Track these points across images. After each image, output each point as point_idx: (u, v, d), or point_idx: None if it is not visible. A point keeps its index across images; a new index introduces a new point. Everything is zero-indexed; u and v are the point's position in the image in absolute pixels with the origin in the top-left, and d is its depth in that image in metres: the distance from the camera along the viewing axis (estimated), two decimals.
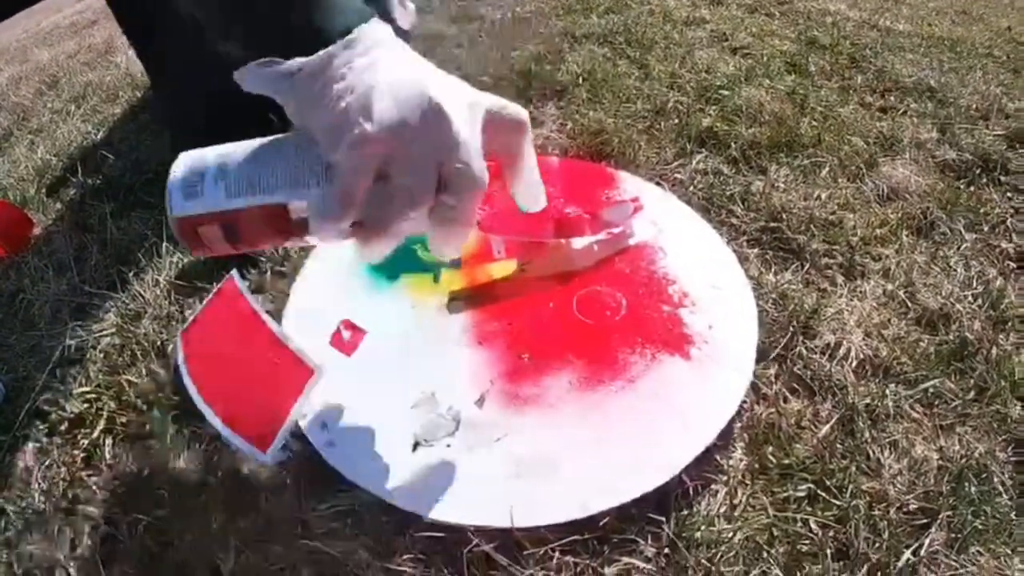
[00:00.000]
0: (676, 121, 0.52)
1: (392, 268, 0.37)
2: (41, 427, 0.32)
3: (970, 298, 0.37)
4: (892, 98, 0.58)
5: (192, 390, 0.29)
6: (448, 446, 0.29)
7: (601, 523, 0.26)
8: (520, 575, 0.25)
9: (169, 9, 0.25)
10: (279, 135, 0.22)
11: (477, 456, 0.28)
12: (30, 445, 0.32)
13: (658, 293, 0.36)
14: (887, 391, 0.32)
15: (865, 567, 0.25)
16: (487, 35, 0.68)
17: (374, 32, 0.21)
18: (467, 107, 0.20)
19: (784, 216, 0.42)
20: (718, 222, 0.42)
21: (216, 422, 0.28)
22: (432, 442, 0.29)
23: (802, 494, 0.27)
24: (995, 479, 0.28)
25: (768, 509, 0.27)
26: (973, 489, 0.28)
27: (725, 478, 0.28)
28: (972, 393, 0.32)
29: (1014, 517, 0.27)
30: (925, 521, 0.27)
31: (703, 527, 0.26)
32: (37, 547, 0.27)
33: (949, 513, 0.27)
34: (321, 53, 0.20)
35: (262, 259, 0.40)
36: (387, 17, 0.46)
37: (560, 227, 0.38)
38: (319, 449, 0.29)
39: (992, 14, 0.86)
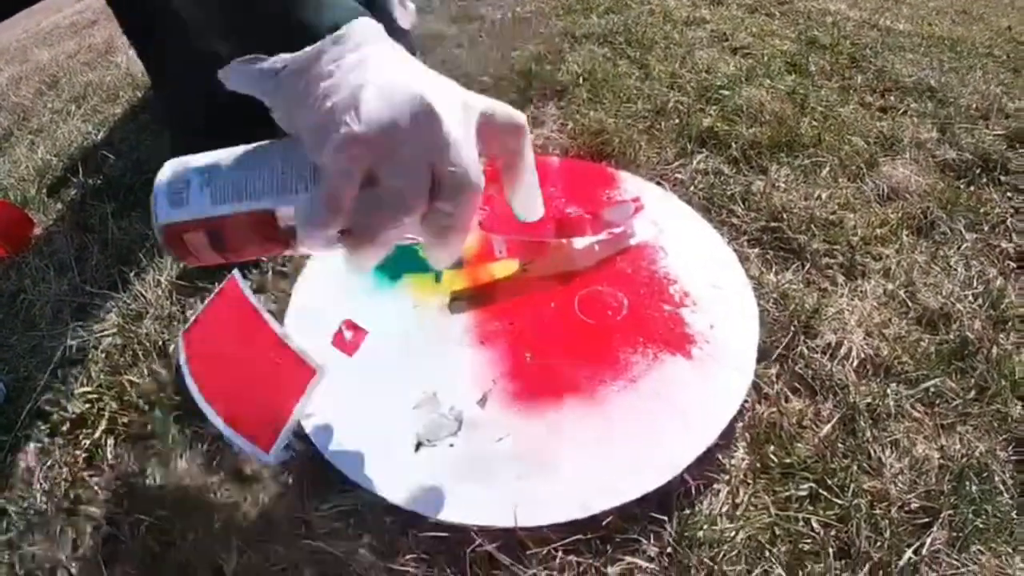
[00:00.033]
0: (677, 121, 0.52)
1: (394, 268, 0.37)
2: (43, 427, 0.32)
3: (970, 298, 0.37)
4: (892, 98, 0.58)
5: (194, 390, 0.29)
6: (451, 446, 0.29)
7: (604, 523, 0.26)
8: (523, 575, 0.25)
9: (169, 9, 0.25)
10: (268, 141, 0.21)
11: (480, 456, 0.28)
12: (32, 445, 0.32)
13: (659, 293, 0.36)
14: (888, 390, 0.32)
15: (867, 566, 0.25)
16: (487, 35, 0.68)
17: (364, 29, 0.19)
18: (461, 108, 0.19)
19: (785, 216, 0.42)
20: (719, 222, 0.42)
21: (218, 422, 0.28)
22: (434, 442, 0.29)
23: (804, 493, 0.28)
24: (996, 478, 0.28)
25: (770, 508, 0.27)
26: (974, 488, 0.28)
27: (727, 477, 0.28)
28: (973, 392, 0.32)
29: (1015, 516, 0.27)
30: (926, 520, 0.27)
31: (705, 526, 0.26)
32: (39, 547, 0.27)
33: (950, 512, 0.27)
34: (308, 49, 0.19)
35: (263, 259, 0.40)
36: (387, 17, 0.46)
37: (561, 227, 0.38)
38: (321, 449, 0.29)
39: (992, 14, 0.86)
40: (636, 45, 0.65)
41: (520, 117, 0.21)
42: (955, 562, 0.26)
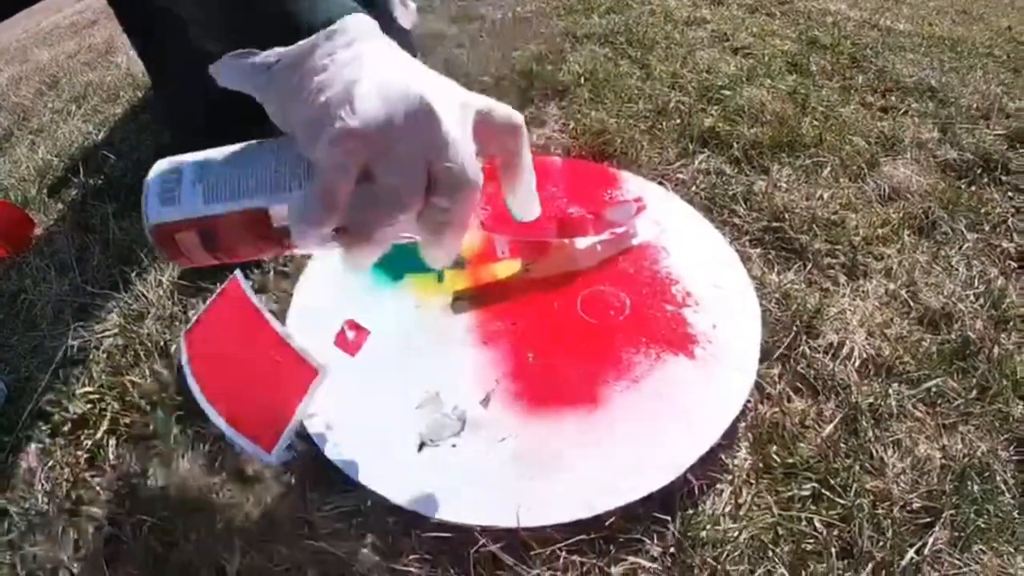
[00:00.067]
0: (678, 121, 0.52)
1: (396, 268, 0.37)
2: (44, 428, 0.32)
3: (972, 297, 0.38)
4: (893, 98, 0.58)
5: (196, 390, 0.29)
6: (453, 446, 0.29)
7: (607, 523, 0.26)
8: (527, 575, 0.25)
9: (168, 8, 0.24)
10: (262, 139, 0.21)
11: (483, 456, 0.28)
12: (33, 446, 0.31)
13: (662, 293, 0.36)
14: (890, 390, 0.32)
15: (870, 566, 0.25)
16: (488, 35, 0.68)
17: (358, 24, 0.19)
18: (458, 106, 0.19)
19: (786, 216, 0.42)
20: (721, 222, 0.42)
21: (220, 422, 0.28)
22: (437, 442, 0.29)
23: (806, 493, 0.28)
24: (997, 478, 0.28)
25: (773, 508, 0.27)
26: (976, 488, 0.28)
27: (730, 477, 0.28)
28: (974, 392, 0.32)
29: (1016, 516, 0.27)
30: (928, 520, 0.27)
31: (708, 526, 0.26)
32: (41, 548, 0.27)
33: (952, 512, 0.27)
34: (301, 43, 0.18)
35: (263, 259, 0.40)
36: (388, 16, 0.46)
37: (564, 227, 0.38)
38: (323, 450, 0.29)
39: (992, 13, 0.86)
40: (637, 45, 0.65)
41: (517, 116, 0.21)
42: (957, 562, 0.26)
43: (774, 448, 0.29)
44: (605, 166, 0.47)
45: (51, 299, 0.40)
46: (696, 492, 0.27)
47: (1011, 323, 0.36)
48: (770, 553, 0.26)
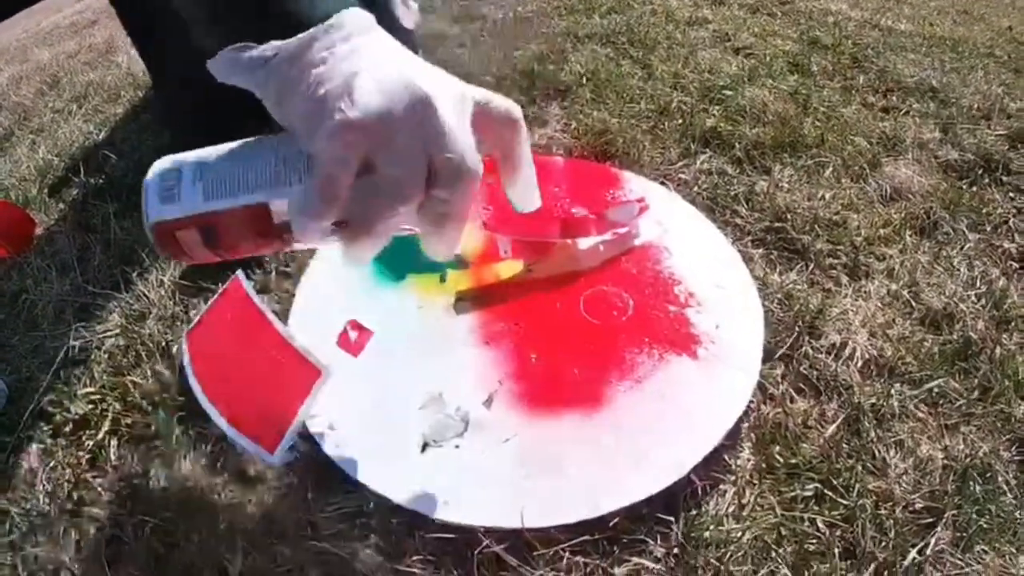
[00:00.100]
0: (680, 121, 0.52)
1: (398, 268, 0.37)
2: (45, 428, 0.32)
3: (973, 298, 0.38)
4: (894, 98, 0.58)
5: (197, 391, 0.29)
6: (457, 447, 0.29)
7: (611, 523, 0.26)
8: None
9: (169, 7, 0.24)
10: (261, 135, 0.21)
11: (486, 457, 0.28)
12: (34, 447, 0.31)
13: (664, 293, 0.36)
14: (892, 391, 0.32)
15: (872, 566, 0.25)
16: (490, 35, 0.68)
17: (356, 18, 0.19)
18: (456, 98, 0.19)
19: (788, 216, 0.42)
20: (723, 222, 0.42)
21: (222, 423, 0.28)
22: (441, 443, 0.29)
23: (809, 493, 0.28)
24: (999, 478, 0.28)
25: (776, 509, 0.27)
26: (978, 488, 0.28)
27: (733, 478, 0.28)
28: (976, 393, 0.32)
29: (1018, 516, 0.27)
30: (931, 520, 0.27)
31: (712, 527, 0.26)
32: (42, 549, 0.27)
33: (954, 512, 0.27)
34: (299, 36, 0.18)
35: (267, 259, 0.40)
36: (390, 16, 0.46)
37: (566, 227, 0.38)
38: (326, 450, 0.28)
39: (993, 14, 0.86)
40: (639, 45, 0.65)
41: (515, 108, 0.21)
42: (959, 562, 0.26)
43: (777, 448, 0.29)
44: (607, 166, 0.47)
45: (52, 299, 0.40)
46: (699, 492, 0.27)
47: (1013, 323, 0.36)
48: (773, 554, 0.26)
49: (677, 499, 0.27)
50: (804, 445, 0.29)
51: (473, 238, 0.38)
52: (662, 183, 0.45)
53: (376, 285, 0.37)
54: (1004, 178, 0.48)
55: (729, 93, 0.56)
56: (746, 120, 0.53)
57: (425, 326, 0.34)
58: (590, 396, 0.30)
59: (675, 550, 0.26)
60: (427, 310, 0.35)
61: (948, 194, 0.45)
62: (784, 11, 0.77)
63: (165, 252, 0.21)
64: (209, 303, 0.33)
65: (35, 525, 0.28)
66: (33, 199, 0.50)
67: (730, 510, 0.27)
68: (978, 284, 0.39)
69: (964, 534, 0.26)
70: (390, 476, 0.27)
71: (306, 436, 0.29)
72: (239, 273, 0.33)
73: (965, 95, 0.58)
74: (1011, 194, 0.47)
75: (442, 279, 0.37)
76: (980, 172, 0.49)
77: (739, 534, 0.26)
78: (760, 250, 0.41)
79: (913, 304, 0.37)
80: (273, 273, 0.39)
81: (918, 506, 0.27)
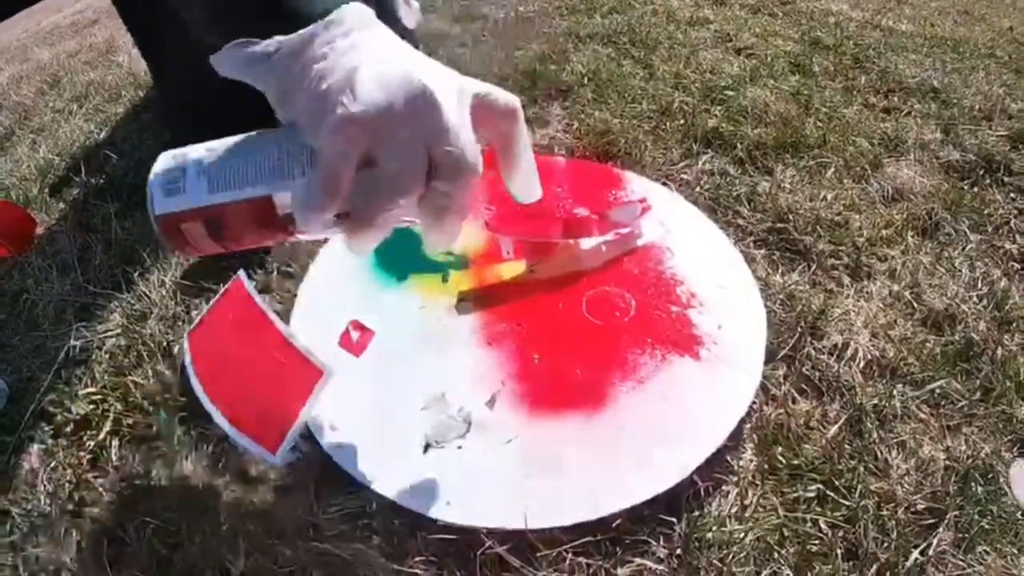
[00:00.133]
0: (682, 121, 0.52)
1: (400, 268, 0.37)
2: (46, 429, 0.32)
3: (975, 299, 0.38)
4: (896, 99, 0.58)
5: (199, 391, 0.29)
6: (459, 447, 0.29)
7: (613, 524, 0.26)
8: None
9: (169, 5, 0.24)
10: (264, 129, 0.21)
11: (489, 458, 0.28)
12: (35, 447, 0.31)
13: (666, 294, 0.36)
14: (894, 392, 0.32)
15: (874, 567, 0.25)
16: (491, 34, 0.68)
17: (355, 13, 0.19)
18: (456, 91, 0.19)
19: (790, 217, 0.42)
20: (725, 223, 0.42)
21: (224, 423, 0.28)
22: (443, 444, 0.29)
23: (811, 494, 0.28)
24: (1001, 479, 0.29)
25: (778, 509, 0.27)
26: (979, 489, 0.28)
27: (735, 479, 0.28)
28: (978, 393, 0.32)
29: (1020, 517, 0.27)
30: (933, 521, 0.27)
31: (714, 528, 0.26)
32: (43, 550, 0.27)
33: (956, 513, 0.27)
34: (300, 32, 0.19)
35: (269, 259, 0.40)
36: (392, 16, 0.46)
37: (568, 228, 0.38)
38: (328, 451, 0.28)
39: (994, 14, 0.86)
40: (640, 45, 0.65)
41: (514, 100, 0.21)
42: (961, 563, 0.26)
43: (779, 449, 0.29)
44: (609, 167, 0.47)
45: (53, 299, 0.40)
46: (702, 493, 0.27)
47: (1014, 324, 0.36)
48: (775, 554, 0.26)
49: (680, 500, 0.27)
50: (806, 446, 0.29)
51: (475, 238, 0.38)
52: (664, 183, 0.45)
53: (378, 285, 0.37)
54: (1005, 179, 0.48)
55: (731, 93, 0.56)
56: (748, 120, 0.53)
57: (427, 326, 0.34)
58: (592, 397, 0.30)
59: (677, 551, 0.26)
60: (429, 310, 0.35)
61: (950, 195, 0.45)
62: (785, 11, 0.77)
63: (170, 244, 0.21)
64: (211, 303, 0.33)
65: (36, 526, 0.28)
66: (34, 198, 0.50)
67: (732, 511, 0.27)
68: (980, 285, 0.39)
69: (966, 535, 0.26)
70: (392, 477, 0.27)
71: (308, 436, 0.29)
72: (241, 273, 0.33)
73: (966, 96, 0.58)
74: (1012, 195, 0.47)
75: (444, 279, 0.37)
76: (981, 173, 0.49)
77: (741, 535, 0.26)
78: (762, 251, 0.41)
79: (915, 305, 0.37)
80: (275, 273, 0.39)
81: (920, 507, 0.27)
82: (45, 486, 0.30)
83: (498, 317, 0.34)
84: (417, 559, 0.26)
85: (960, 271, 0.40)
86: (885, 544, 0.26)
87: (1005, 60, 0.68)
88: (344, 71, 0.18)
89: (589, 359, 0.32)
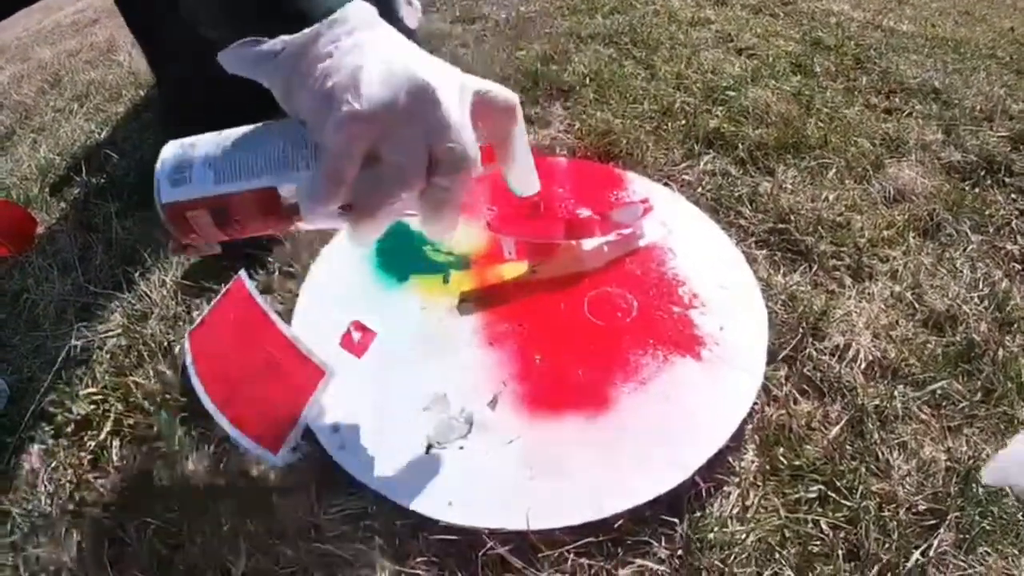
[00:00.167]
0: (683, 122, 0.52)
1: (402, 269, 0.37)
2: (47, 429, 0.32)
3: (976, 300, 0.38)
4: (897, 99, 0.58)
5: (200, 391, 0.29)
6: (461, 448, 0.28)
7: (615, 525, 0.26)
8: None
9: (171, 2, 0.25)
10: (269, 121, 0.22)
11: (490, 458, 0.28)
12: (36, 447, 0.31)
13: (668, 294, 0.36)
14: (895, 392, 0.32)
15: (876, 567, 0.25)
16: (492, 34, 0.67)
17: (358, 12, 0.20)
18: (457, 89, 0.20)
19: (792, 217, 0.42)
20: (726, 223, 0.42)
21: (225, 423, 0.28)
22: (445, 444, 0.29)
23: (813, 495, 0.28)
24: None
25: (780, 510, 0.27)
26: (980, 490, 0.28)
27: (737, 480, 0.28)
28: (979, 394, 0.32)
29: (1021, 518, 0.27)
30: (934, 522, 0.27)
31: (716, 528, 0.26)
32: (44, 550, 0.27)
33: (957, 514, 0.27)
34: (305, 31, 0.19)
35: (270, 259, 0.40)
36: (394, 16, 0.46)
37: (570, 228, 0.38)
38: (330, 451, 0.28)
39: (995, 15, 0.86)
40: (642, 46, 0.65)
41: (512, 96, 0.21)
42: (962, 563, 0.26)
43: (781, 450, 0.29)
44: (611, 167, 0.47)
45: (54, 299, 0.40)
46: (703, 494, 0.27)
47: (1015, 325, 0.36)
48: (777, 555, 0.26)
49: (681, 501, 0.27)
50: (808, 447, 0.29)
51: (477, 239, 0.38)
52: (666, 184, 0.45)
53: (380, 286, 0.37)
54: (1007, 180, 0.48)
55: (732, 94, 0.56)
56: (749, 121, 0.53)
57: (429, 327, 0.34)
58: (594, 397, 0.30)
59: (679, 552, 0.26)
60: (430, 311, 0.35)
61: (951, 196, 0.45)
62: (786, 12, 0.77)
63: (175, 231, 0.22)
64: (212, 303, 0.33)
65: (37, 526, 0.28)
66: (34, 198, 0.50)
67: (734, 512, 0.27)
68: (981, 286, 0.39)
69: (967, 536, 0.26)
70: (394, 477, 0.27)
71: (309, 437, 0.29)
72: (242, 273, 0.33)
73: (967, 96, 0.58)
74: (1013, 196, 0.47)
75: (445, 280, 0.37)
76: (983, 174, 0.49)
77: (743, 536, 0.26)
78: (764, 251, 0.41)
79: (916, 306, 0.37)
80: (276, 273, 0.39)
81: (921, 508, 0.27)
82: (46, 486, 0.30)
83: (500, 318, 0.34)
84: (419, 560, 0.26)
85: (961, 272, 0.40)
86: (886, 545, 0.26)
87: (1006, 61, 0.68)
88: (348, 70, 0.19)
89: (591, 360, 0.32)
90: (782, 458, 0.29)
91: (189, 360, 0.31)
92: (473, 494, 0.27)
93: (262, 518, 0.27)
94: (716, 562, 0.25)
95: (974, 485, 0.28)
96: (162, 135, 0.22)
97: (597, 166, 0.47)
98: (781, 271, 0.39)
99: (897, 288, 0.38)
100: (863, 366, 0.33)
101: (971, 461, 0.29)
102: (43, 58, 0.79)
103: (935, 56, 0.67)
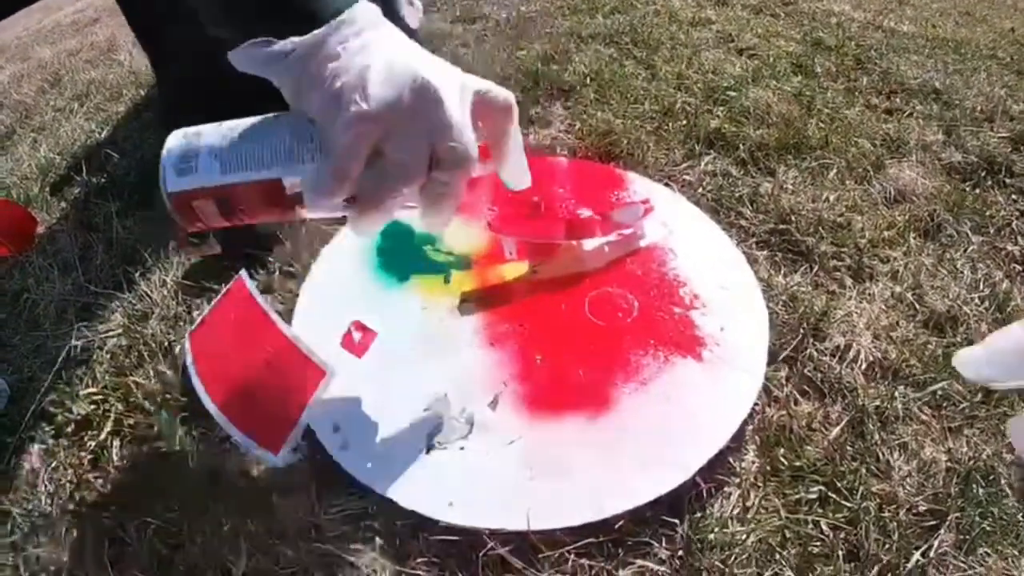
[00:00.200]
0: (684, 122, 0.52)
1: (403, 269, 0.37)
2: (47, 429, 0.32)
3: (977, 300, 0.38)
4: (898, 100, 0.58)
5: (200, 391, 0.29)
6: (462, 449, 0.28)
7: (616, 526, 0.26)
8: None
9: (177, 6, 0.25)
10: (275, 113, 0.22)
11: (491, 459, 0.28)
12: (36, 447, 0.31)
13: (669, 295, 0.36)
14: (896, 393, 0.32)
15: (876, 568, 0.25)
16: (493, 34, 0.67)
17: (365, 13, 0.21)
18: (459, 89, 0.21)
19: (793, 218, 0.42)
20: (727, 224, 0.42)
21: (225, 423, 0.28)
22: (445, 444, 0.29)
23: (813, 496, 0.28)
24: (1002, 481, 0.29)
25: (780, 511, 0.27)
26: (980, 491, 0.28)
27: (738, 480, 0.28)
28: (979, 395, 0.32)
29: (1021, 519, 0.27)
30: (934, 523, 0.27)
31: (717, 529, 0.26)
32: (44, 550, 0.27)
33: (957, 515, 0.27)
34: (315, 32, 0.20)
35: (271, 259, 0.40)
36: (395, 15, 0.46)
37: (571, 228, 0.38)
38: (330, 451, 0.28)
39: (996, 15, 0.86)
40: (642, 46, 0.65)
41: (510, 96, 0.22)
42: (962, 564, 0.26)
43: (781, 451, 0.29)
44: (612, 167, 0.47)
45: (54, 298, 0.40)
46: (704, 495, 0.27)
47: None
48: (777, 556, 0.26)
49: (682, 501, 0.27)
50: (808, 447, 0.29)
51: (478, 239, 0.38)
52: (666, 184, 0.45)
53: (380, 286, 0.37)
54: (1007, 180, 0.48)
55: (733, 94, 0.56)
56: (750, 121, 0.53)
57: (429, 327, 0.34)
58: (595, 398, 0.30)
59: (680, 552, 0.26)
60: (431, 311, 0.35)
61: (951, 196, 0.45)
62: (787, 12, 0.77)
63: (180, 219, 0.22)
64: (212, 303, 0.33)
65: (37, 526, 0.28)
66: (35, 198, 0.50)
67: (735, 512, 0.27)
68: (981, 287, 0.39)
69: (967, 536, 0.26)
70: (394, 477, 0.27)
71: (310, 437, 0.29)
72: (243, 273, 0.33)
73: (968, 97, 0.58)
74: (1014, 196, 0.47)
75: (446, 280, 0.37)
76: (983, 174, 0.49)
77: (743, 536, 0.26)
78: (765, 252, 0.41)
79: (917, 306, 0.37)
80: (277, 273, 0.39)
81: (921, 508, 0.27)
82: (46, 486, 0.30)
83: (500, 318, 0.34)
84: (419, 560, 0.26)
85: (962, 273, 0.40)
86: (887, 545, 0.26)
87: (1007, 61, 0.68)
88: (356, 70, 0.20)
89: (592, 360, 0.32)
90: (783, 459, 0.29)
91: (189, 360, 0.30)
92: (474, 494, 0.27)
93: (262, 518, 0.27)
94: (716, 563, 0.25)
95: (974, 486, 0.28)
96: (162, 135, 0.22)
97: (598, 166, 0.47)
98: (782, 272, 0.39)
99: (898, 289, 0.38)
100: (864, 367, 0.33)
101: (971, 462, 0.29)
102: (43, 57, 0.79)
103: (936, 57, 0.67)
